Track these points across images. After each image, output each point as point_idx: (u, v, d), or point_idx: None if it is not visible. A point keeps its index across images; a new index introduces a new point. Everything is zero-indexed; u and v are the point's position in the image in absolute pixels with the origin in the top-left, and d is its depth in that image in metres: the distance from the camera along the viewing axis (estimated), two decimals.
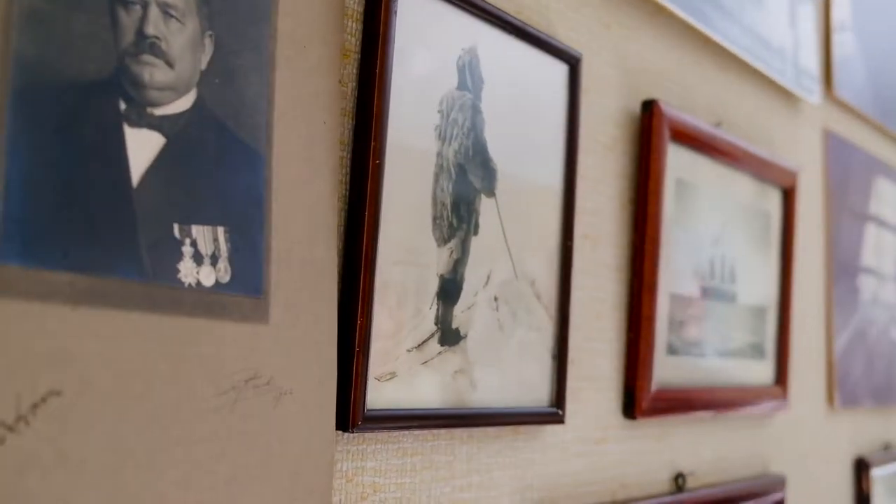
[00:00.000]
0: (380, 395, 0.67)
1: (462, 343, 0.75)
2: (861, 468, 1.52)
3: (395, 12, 0.69)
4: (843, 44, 1.56)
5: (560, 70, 0.88)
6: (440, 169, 0.73)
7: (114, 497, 0.50)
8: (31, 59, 0.48)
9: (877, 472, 1.55)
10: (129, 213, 0.52)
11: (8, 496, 0.45)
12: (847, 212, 1.56)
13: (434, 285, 0.73)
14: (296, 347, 0.61)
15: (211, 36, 0.58)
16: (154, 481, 0.52)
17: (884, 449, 1.62)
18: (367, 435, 0.68)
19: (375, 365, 0.67)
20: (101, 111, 0.51)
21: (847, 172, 1.57)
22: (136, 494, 0.51)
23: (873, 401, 1.58)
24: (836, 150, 1.53)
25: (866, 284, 1.60)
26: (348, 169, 0.67)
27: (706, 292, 1.11)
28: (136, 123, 0.53)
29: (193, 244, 0.55)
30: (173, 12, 0.56)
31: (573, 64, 0.88)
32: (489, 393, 0.78)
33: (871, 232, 1.64)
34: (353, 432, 0.65)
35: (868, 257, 1.62)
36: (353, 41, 0.68)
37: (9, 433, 0.45)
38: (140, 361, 0.51)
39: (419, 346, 0.71)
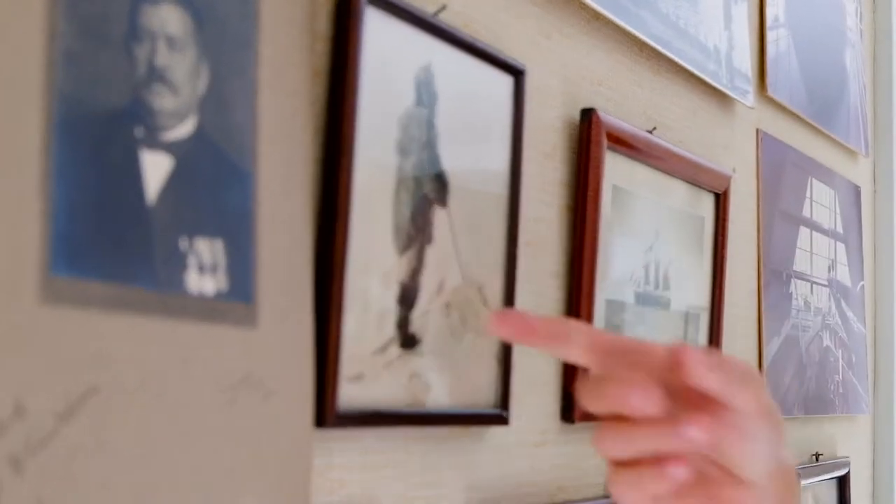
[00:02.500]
0: (348, 395, 0.86)
1: (418, 347, 0.94)
2: None
3: (363, 33, 0.87)
4: (777, 41, 1.79)
5: (505, 82, 1.07)
6: (400, 182, 0.92)
7: (140, 483, 0.67)
8: (70, 94, 0.65)
9: (806, 481, 1.80)
10: (146, 228, 0.69)
11: (61, 478, 0.62)
12: (780, 215, 1.80)
13: (395, 292, 0.91)
14: (279, 350, 0.78)
15: (206, 63, 0.75)
16: (172, 470, 0.69)
17: (813, 459, 1.87)
18: (336, 433, 0.86)
19: (345, 367, 0.85)
20: (122, 137, 0.68)
21: (781, 174, 1.81)
22: (156, 482, 0.68)
23: (803, 409, 1.83)
24: (770, 151, 1.77)
25: (798, 290, 1.85)
26: (320, 184, 0.85)
27: (640, 298, 1.32)
28: (150, 147, 0.70)
29: (197, 256, 0.72)
30: (177, 43, 0.73)
31: (517, 76, 1.08)
32: (442, 395, 0.97)
33: (803, 235, 1.89)
34: (326, 430, 0.83)
35: (801, 262, 1.87)
36: (322, 62, 0.86)
37: (61, 423, 0.62)
38: (158, 362, 0.68)
39: (382, 349, 0.90)
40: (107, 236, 0.66)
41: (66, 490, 0.62)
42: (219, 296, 0.74)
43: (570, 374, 1.18)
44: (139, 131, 0.69)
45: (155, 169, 0.70)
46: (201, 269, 0.73)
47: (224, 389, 0.73)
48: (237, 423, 0.74)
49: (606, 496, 1.24)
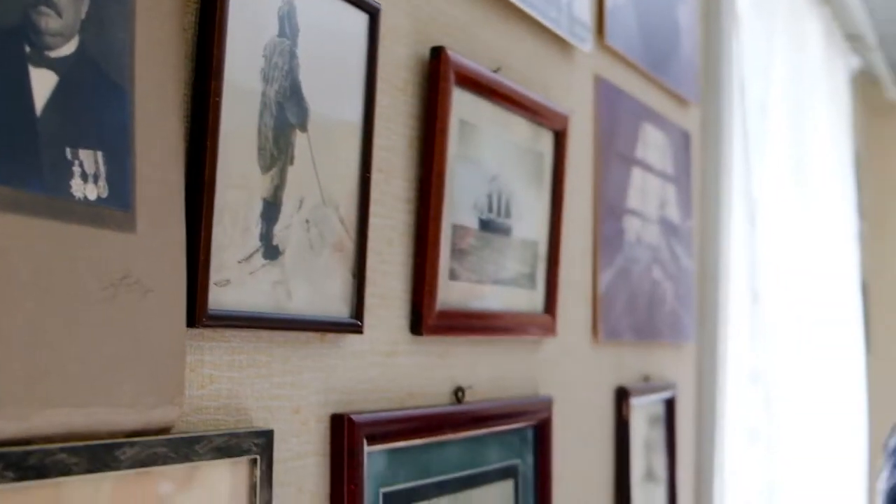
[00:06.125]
0: (217, 298, 0.94)
1: (280, 258, 1.03)
2: (622, 397, 1.91)
3: None
4: None
5: (361, 19, 1.16)
6: (264, 107, 1.00)
7: (32, 367, 0.74)
8: None
9: (635, 401, 1.96)
10: (35, 137, 0.76)
11: None
12: (615, 156, 1.94)
13: (258, 207, 1.00)
14: (156, 254, 0.86)
15: None
16: (60, 356, 0.76)
17: (643, 380, 2.03)
18: (206, 333, 0.94)
19: (214, 273, 0.93)
20: (12, 54, 0.75)
21: (616, 117, 1.94)
22: (46, 367, 0.75)
23: (634, 335, 1.98)
24: (606, 97, 1.90)
25: (631, 225, 1.99)
26: (191, 105, 0.92)
27: (484, 225, 1.43)
28: (37, 64, 0.77)
29: (81, 165, 0.80)
30: None
31: (372, 14, 1.17)
32: (302, 303, 1.06)
33: (636, 175, 2.04)
34: (197, 330, 0.92)
35: (633, 200, 2.01)
36: None
37: None
38: (48, 258, 0.76)
39: (247, 258, 0.98)
40: (2, 143, 0.73)
41: None
42: (100, 201, 0.81)
43: (418, 290, 1.28)
44: (27, 49, 0.76)
45: (41, 84, 0.77)
46: (84, 177, 0.80)
47: (106, 286, 0.81)
48: (118, 316, 0.82)
49: (451, 404, 1.36)
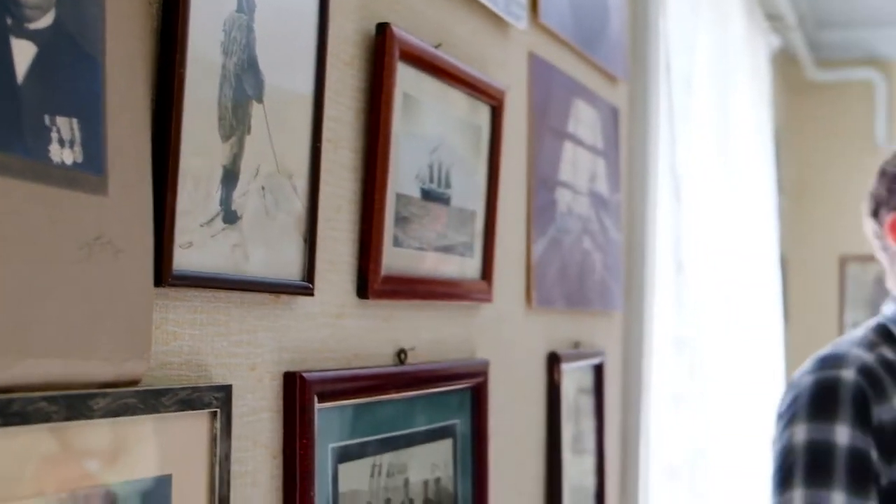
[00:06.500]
0: (181, 260, 0.99)
1: (239, 223, 1.09)
2: (553, 362, 2.00)
3: None
4: None
5: None
6: (224, 79, 1.06)
7: (15, 321, 0.79)
8: None
9: (566, 367, 2.05)
10: (17, 104, 0.81)
11: None
12: (548, 130, 2.01)
13: (219, 174, 1.05)
14: (126, 216, 0.91)
15: None
16: (41, 311, 0.81)
17: (573, 346, 2.12)
18: (171, 292, 1.00)
19: (178, 236, 0.99)
20: None
21: (549, 93, 2.02)
22: (27, 321, 0.80)
23: (565, 303, 2.07)
24: (540, 73, 1.97)
25: (563, 197, 2.07)
26: (157, 76, 0.97)
27: (425, 194, 1.49)
28: (18, 35, 0.82)
29: (58, 131, 0.85)
30: None
31: None
32: (258, 265, 1.12)
33: (568, 149, 2.12)
34: (162, 289, 0.97)
35: (565, 173, 2.09)
36: None
37: None
38: (31, 219, 0.81)
39: (209, 222, 1.04)
40: None
41: None
42: (76, 166, 0.86)
43: (365, 256, 1.35)
44: (9, 20, 0.81)
45: (22, 54, 0.82)
46: (62, 142, 0.85)
47: (81, 246, 0.86)
48: (93, 275, 0.87)
49: (394, 365, 1.43)
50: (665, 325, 2.68)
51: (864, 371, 1.68)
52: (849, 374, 1.68)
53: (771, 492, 1.69)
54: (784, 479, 1.66)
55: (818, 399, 1.68)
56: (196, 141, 1.02)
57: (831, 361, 1.72)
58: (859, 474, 1.63)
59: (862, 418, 1.65)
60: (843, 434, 1.64)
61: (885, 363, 1.72)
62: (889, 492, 1.64)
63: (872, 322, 1.82)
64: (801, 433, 1.67)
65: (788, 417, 1.71)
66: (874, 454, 1.64)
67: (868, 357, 1.72)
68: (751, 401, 3.48)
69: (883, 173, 1.80)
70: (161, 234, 0.97)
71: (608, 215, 2.34)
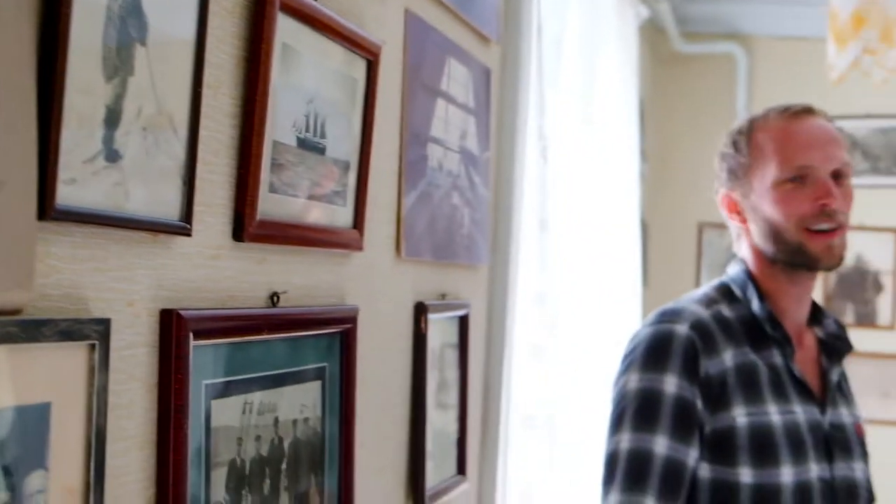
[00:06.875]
0: (64, 195, 1.02)
1: (120, 162, 1.12)
2: (420, 311, 2.07)
3: None
4: None
5: None
6: (108, 20, 1.08)
7: None
8: None
9: (433, 317, 2.12)
10: None
11: None
12: (421, 87, 2.07)
13: (102, 113, 1.08)
14: (11, 151, 0.94)
15: None
16: None
17: (440, 298, 2.19)
18: (54, 227, 1.03)
19: (62, 171, 1.02)
20: None
21: (423, 51, 2.07)
22: None
23: (433, 255, 2.14)
24: (416, 30, 2.02)
25: (434, 153, 2.14)
26: (42, 17, 1.00)
27: (301, 143, 1.54)
28: None
29: None
30: None
31: None
32: (138, 204, 1.15)
33: (440, 107, 2.18)
34: (46, 223, 1.00)
35: (437, 129, 2.16)
36: None
37: None
38: None
39: (91, 160, 1.07)
40: None
41: None
42: None
43: (241, 200, 1.39)
44: None
45: None
46: None
47: None
48: None
49: (267, 307, 1.48)
50: (528, 281, 2.78)
51: (697, 326, 1.82)
52: (682, 329, 1.81)
53: (607, 433, 1.82)
54: (617, 421, 1.81)
55: (652, 350, 1.82)
56: (80, 80, 1.04)
57: (669, 315, 1.85)
58: (683, 421, 1.77)
59: (690, 370, 1.78)
60: (671, 384, 1.78)
61: (721, 320, 1.85)
62: (713, 439, 1.78)
63: (716, 281, 1.96)
64: (634, 381, 1.81)
65: (626, 365, 1.85)
66: (699, 404, 1.77)
67: (704, 313, 1.85)
68: (607, 356, 3.63)
69: (721, 156, 1.94)
70: (45, 170, 1.00)
71: (477, 172, 2.42)
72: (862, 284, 5.15)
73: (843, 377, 1.99)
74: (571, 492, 3.02)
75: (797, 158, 1.84)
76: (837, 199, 1.81)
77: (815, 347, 1.95)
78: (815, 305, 1.98)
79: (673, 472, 1.75)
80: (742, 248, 1.94)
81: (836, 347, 1.95)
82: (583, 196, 3.34)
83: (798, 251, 1.83)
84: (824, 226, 1.81)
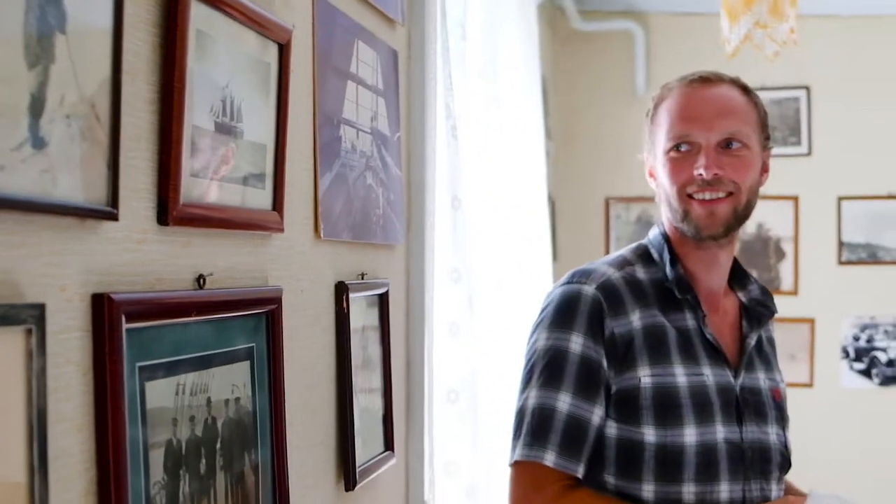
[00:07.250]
0: None
1: (46, 149, 1.14)
2: (341, 291, 2.11)
3: None
4: None
5: None
6: (28, 8, 1.10)
7: None
8: None
9: (354, 296, 2.16)
10: None
11: None
12: (332, 70, 2.10)
13: (26, 101, 1.10)
14: None
15: None
16: None
17: (360, 276, 2.23)
18: None
19: None
20: None
21: (332, 35, 2.11)
22: None
23: (351, 235, 2.17)
24: (324, 14, 2.05)
25: (347, 134, 2.17)
26: None
27: (219, 127, 1.57)
28: None
29: None
30: None
31: None
32: (65, 190, 1.17)
33: (351, 89, 2.22)
34: None
35: (349, 111, 2.19)
36: None
37: None
38: None
39: (18, 147, 1.09)
40: None
41: None
42: None
43: (164, 185, 1.41)
44: None
45: None
46: None
47: None
48: None
49: (194, 289, 1.50)
50: (443, 258, 2.83)
51: (604, 287, 1.89)
52: (588, 289, 1.88)
53: (518, 389, 1.90)
54: (526, 378, 1.89)
55: (560, 310, 1.89)
56: (3, 68, 1.06)
57: (579, 276, 1.92)
58: (587, 380, 1.84)
59: (595, 330, 1.86)
60: (576, 343, 1.85)
61: (632, 281, 1.92)
62: (619, 399, 1.85)
63: (637, 244, 2.03)
64: (542, 339, 1.89)
65: (537, 324, 1.92)
66: (605, 363, 1.85)
67: (615, 274, 1.92)
68: (520, 330, 3.70)
69: (644, 123, 2.00)
70: None
71: (389, 153, 2.46)
72: (764, 251, 5.32)
73: (769, 342, 2.06)
74: (496, 462, 3.09)
75: (678, 127, 1.90)
76: (718, 169, 1.86)
77: (737, 312, 2.02)
78: (741, 271, 2.05)
79: (575, 427, 1.82)
80: (661, 211, 2.00)
81: (757, 312, 2.02)
82: (492, 173, 3.40)
83: (683, 218, 1.90)
84: (706, 195, 1.88)
